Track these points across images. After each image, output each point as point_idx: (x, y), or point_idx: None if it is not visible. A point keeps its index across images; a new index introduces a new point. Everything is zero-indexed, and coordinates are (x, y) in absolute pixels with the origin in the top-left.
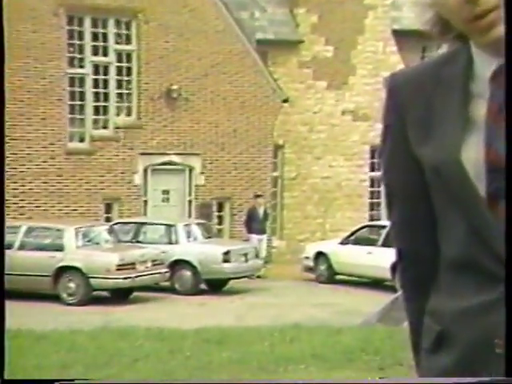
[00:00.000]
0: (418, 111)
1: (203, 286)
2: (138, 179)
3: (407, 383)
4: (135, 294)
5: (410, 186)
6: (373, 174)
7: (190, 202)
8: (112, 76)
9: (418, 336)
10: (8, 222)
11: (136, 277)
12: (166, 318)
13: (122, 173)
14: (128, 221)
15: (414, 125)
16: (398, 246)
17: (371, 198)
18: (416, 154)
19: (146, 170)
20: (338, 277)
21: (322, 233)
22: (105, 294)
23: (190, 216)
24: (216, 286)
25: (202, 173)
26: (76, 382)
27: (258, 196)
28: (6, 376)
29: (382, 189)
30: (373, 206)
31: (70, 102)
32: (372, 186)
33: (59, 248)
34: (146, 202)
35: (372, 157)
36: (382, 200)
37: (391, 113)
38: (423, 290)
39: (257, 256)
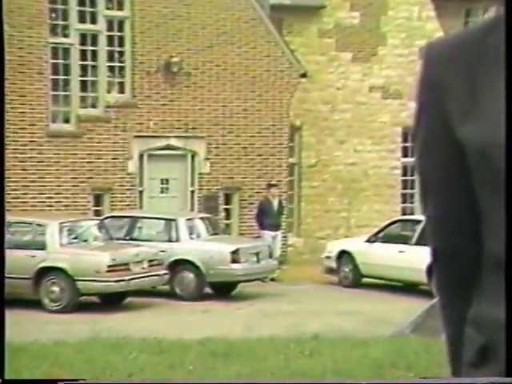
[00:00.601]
0: (459, 86)
1: (208, 291)
2: (132, 166)
3: (408, 383)
4: (129, 299)
5: (449, 173)
6: (406, 160)
7: (192, 192)
8: (102, 47)
9: (457, 349)
10: None
11: (130, 279)
12: (165, 328)
13: (114, 159)
14: (121, 215)
15: (455, 102)
16: (434, 244)
17: (404, 189)
18: (457, 135)
19: (141, 156)
20: (365, 280)
21: (346, 229)
22: (94, 299)
23: (192, 209)
24: (223, 291)
25: (207, 159)
26: (80, 381)
27: (271, 186)
28: (7, 376)
29: (417, 177)
30: (405, 198)
31: (52, 77)
32: (404, 174)
33: (40, 246)
34: (141, 192)
35: (405, 140)
36: (417, 190)
37: (427, 88)
38: (464, 295)
39: (270, 256)
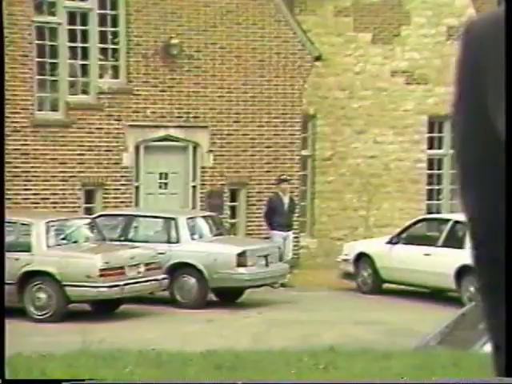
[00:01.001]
0: (499, 70)
1: (211, 297)
2: (127, 159)
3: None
4: (124, 306)
5: (490, 166)
6: (431, 152)
7: (194, 188)
8: (93, 26)
9: (506, 362)
10: None
11: (125, 285)
12: (164, 338)
13: (107, 151)
14: (115, 213)
15: (495, 88)
16: (476, 245)
17: (429, 184)
18: (496, 126)
19: (137, 148)
20: (386, 286)
21: (365, 229)
22: (85, 307)
23: (194, 207)
24: (228, 297)
25: (210, 151)
26: (85, 381)
27: (282, 181)
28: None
29: (456, 170)
30: (431, 194)
31: (38, 59)
32: (430, 167)
33: (25, 248)
34: (137, 188)
35: (430, 130)
36: (444, 186)
37: (466, 73)
38: None
39: (280, 258)
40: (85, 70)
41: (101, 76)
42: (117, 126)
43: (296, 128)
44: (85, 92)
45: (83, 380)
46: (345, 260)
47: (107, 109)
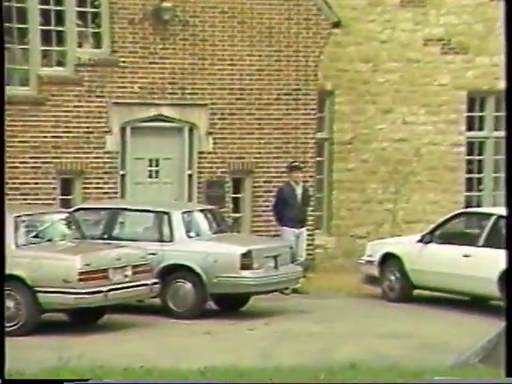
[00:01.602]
0: None
1: (211, 306)
2: (111, 143)
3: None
4: (108, 316)
5: None
6: (472, 134)
7: (190, 177)
8: None
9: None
10: None
11: (109, 290)
12: (156, 354)
13: (88, 133)
14: (97, 206)
15: None
16: None
17: (469, 172)
18: None
19: (123, 130)
20: (417, 292)
21: (392, 225)
22: (61, 317)
23: (190, 199)
24: (230, 306)
25: (210, 133)
26: (89, 382)
27: (294, 168)
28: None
29: (489, 157)
30: (471, 184)
31: (5, 25)
32: (470, 152)
33: None
34: (123, 177)
35: (470, 108)
36: (486, 174)
37: None
38: None
39: (292, 260)
40: (60, 37)
41: (79, 45)
42: (99, 104)
43: (310, 106)
44: (60, 64)
45: (86, 380)
46: (368, 262)
47: (87, 83)
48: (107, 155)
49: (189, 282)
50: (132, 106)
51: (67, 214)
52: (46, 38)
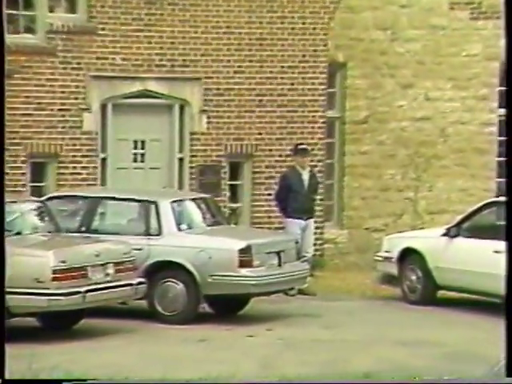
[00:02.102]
0: None
1: (205, 309)
2: (90, 122)
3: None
4: (86, 321)
5: None
6: (505, 111)
7: (181, 161)
8: None
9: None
10: None
11: (88, 291)
12: (142, 364)
13: (62, 110)
14: (73, 194)
15: None
16: None
17: (502, 156)
18: None
19: (103, 107)
20: (442, 293)
21: (413, 216)
22: (32, 321)
23: (181, 186)
24: (227, 309)
25: (204, 111)
26: (88, 381)
27: (300, 151)
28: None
29: None
30: (503, 170)
31: None
32: (503, 133)
33: None
34: (104, 161)
35: (504, 82)
36: None
37: None
38: None
39: (298, 256)
40: (28, 0)
41: (51, 9)
42: (75, 77)
43: (319, 80)
44: (30, 31)
45: (85, 380)
46: (385, 258)
47: (61, 54)
48: (85, 136)
49: (180, 282)
50: (113, 79)
51: (39, 204)
52: (12, 0)
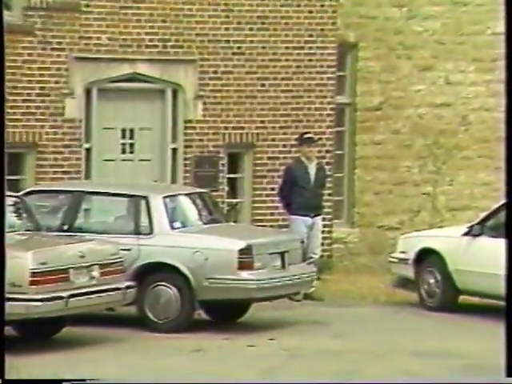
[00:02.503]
0: None
1: (201, 315)
2: (72, 108)
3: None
4: (68, 329)
5: None
6: None
7: (175, 152)
8: None
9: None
10: None
11: (70, 296)
12: (131, 375)
13: (42, 95)
14: (55, 188)
15: None
16: None
17: None
18: None
19: (88, 92)
20: (463, 298)
21: (432, 213)
22: (7, 330)
23: (174, 180)
24: (225, 316)
25: (199, 97)
26: (87, 381)
27: (306, 141)
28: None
29: None
30: None
31: None
32: None
33: None
34: (88, 151)
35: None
36: None
37: None
38: None
39: (304, 257)
40: None
41: None
42: (56, 59)
43: (328, 63)
44: (4, 7)
45: (84, 380)
46: (401, 260)
47: (40, 32)
48: (67, 124)
49: (173, 286)
50: (99, 61)
51: (16, 199)
52: None
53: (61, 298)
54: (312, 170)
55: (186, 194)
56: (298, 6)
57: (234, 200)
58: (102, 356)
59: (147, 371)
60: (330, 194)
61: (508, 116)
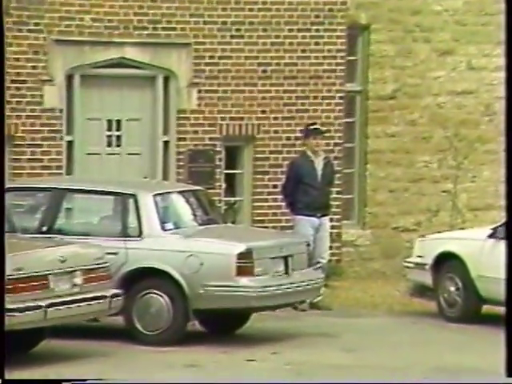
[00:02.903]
0: None
1: (195, 326)
2: (52, 97)
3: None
4: (47, 343)
5: None
6: None
7: (166, 145)
8: None
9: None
10: None
11: (49, 306)
12: None
13: (17, 82)
14: (33, 185)
15: None
16: None
17: None
18: None
19: (70, 79)
20: (487, 308)
21: (452, 213)
22: None
23: (166, 176)
24: (223, 327)
25: (194, 84)
26: (88, 381)
27: (313, 133)
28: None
29: None
30: None
31: None
32: None
33: None
34: (70, 144)
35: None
36: None
37: None
38: None
39: (310, 262)
40: None
41: None
42: (34, 42)
43: (337, 47)
44: None
45: (84, 380)
46: (417, 265)
47: (16, 12)
48: (47, 114)
49: (164, 294)
50: (82, 45)
51: None
52: None
53: (39, 307)
54: (319, 165)
55: (179, 192)
56: None
57: (233, 199)
58: (85, 372)
59: None
60: (338, 192)
61: (508, 115)
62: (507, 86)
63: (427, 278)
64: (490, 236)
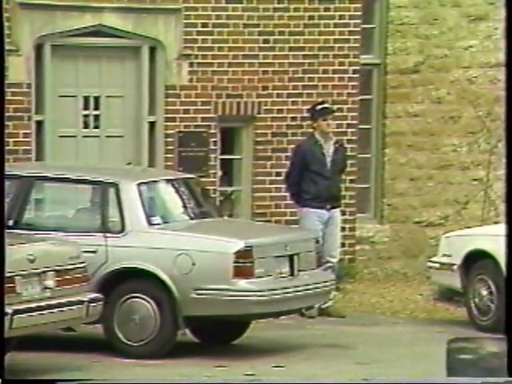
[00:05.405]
0: None
1: (186, 336)
2: (18, 70)
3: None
4: (13, 355)
5: None
6: None
7: (152, 126)
8: None
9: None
10: None
11: (16, 313)
12: None
13: None
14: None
15: None
16: None
17: None
18: None
19: (39, 48)
20: None
21: (484, 205)
22: None
23: (152, 162)
24: (218, 337)
25: (185, 56)
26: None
27: (322, 112)
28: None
29: None
30: None
31: None
32: None
33: None
34: (40, 125)
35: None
36: None
37: None
38: None
39: (319, 262)
40: None
41: None
42: None
43: (350, 13)
44: None
45: (84, 380)
46: (444, 265)
47: None
48: (12, 90)
49: (150, 299)
50: (53, 9)
51: None
52: None
53: (5, 314)
54: (329, 150)
55: (168, 181)
56: None
57: (229, 188)
58: None
59: None
60: (352, 181)
61: (508, 115)
62: (507, 86)
63: (455, 281)
64: None
